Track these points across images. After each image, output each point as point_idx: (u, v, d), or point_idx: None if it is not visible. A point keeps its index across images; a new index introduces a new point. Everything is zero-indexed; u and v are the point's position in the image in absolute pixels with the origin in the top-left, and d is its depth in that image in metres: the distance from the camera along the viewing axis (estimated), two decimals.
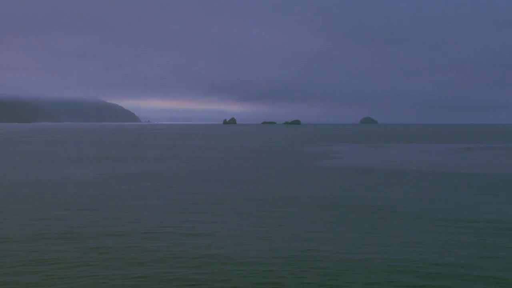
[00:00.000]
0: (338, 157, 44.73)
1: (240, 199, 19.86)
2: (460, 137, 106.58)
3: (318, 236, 13.58)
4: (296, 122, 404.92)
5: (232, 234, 13.77)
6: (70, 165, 34.96)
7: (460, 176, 28.91)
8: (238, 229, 14.44)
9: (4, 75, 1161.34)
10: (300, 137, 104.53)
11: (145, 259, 11.32)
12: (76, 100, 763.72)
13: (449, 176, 28.91)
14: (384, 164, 36.92)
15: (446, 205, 18.67)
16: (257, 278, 10.19)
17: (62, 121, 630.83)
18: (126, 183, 25.26)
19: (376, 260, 11.34)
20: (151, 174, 29.39)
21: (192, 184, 24.87)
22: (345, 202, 19.34)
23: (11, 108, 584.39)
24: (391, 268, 10.77)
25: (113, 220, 15.59)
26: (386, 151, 54.40)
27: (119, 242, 12.86)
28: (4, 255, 11.55)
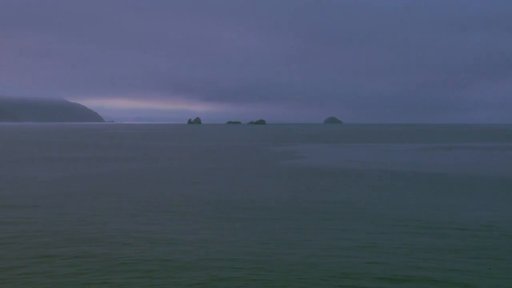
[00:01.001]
0: (303, 157, 44.84)
1: (199, 202, 19.36)
2: (425, 137, 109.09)
3: (280, 238, 13.31)
4: (261, 122, 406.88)
5: (191, 239, 13.31)
6: (21, 166, 33.75)
7: (422, 175, 29.29)
8: (197, 233, 13.99)
9: None
10: (265, 137, 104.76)
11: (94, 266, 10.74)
12: (37, 99, 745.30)
13: (412, 175, 29.27)
14: (348, 163, 37.06)
15: (402, 205, 18.77)
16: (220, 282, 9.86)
17: (23, 121, 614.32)
18: (79, 185, 24.35)
19: (334, 262, 11.14)
20: (108, 176, 28.55)
21: (152, 186, 24.19)
22: (309, 203, 19.12)
23: None
24: (349, 270, 10.57)
25: (75, 223, 14.94)
26: (350, 151, 54.95)
27: (78, 248, 12.22)
28: None
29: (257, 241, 13.03)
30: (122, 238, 13.24)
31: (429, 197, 20.66)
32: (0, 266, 10.73)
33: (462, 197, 20.91)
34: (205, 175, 29.25)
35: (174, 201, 19.37)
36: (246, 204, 18.81)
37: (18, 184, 24.44)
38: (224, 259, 11.39)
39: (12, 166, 34.33)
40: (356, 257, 11.60)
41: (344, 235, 13.82)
